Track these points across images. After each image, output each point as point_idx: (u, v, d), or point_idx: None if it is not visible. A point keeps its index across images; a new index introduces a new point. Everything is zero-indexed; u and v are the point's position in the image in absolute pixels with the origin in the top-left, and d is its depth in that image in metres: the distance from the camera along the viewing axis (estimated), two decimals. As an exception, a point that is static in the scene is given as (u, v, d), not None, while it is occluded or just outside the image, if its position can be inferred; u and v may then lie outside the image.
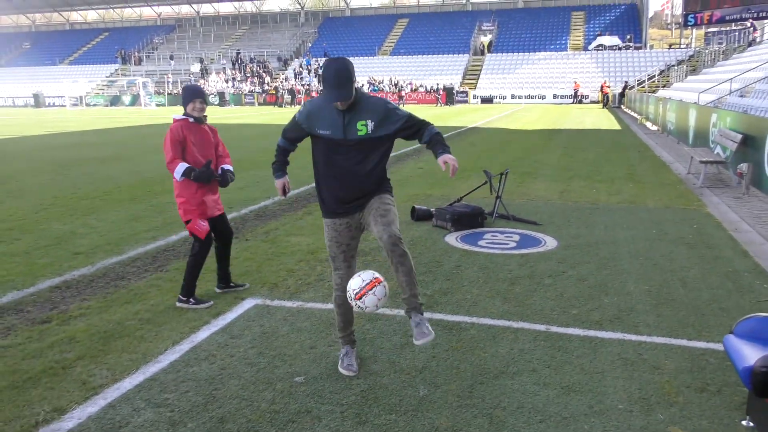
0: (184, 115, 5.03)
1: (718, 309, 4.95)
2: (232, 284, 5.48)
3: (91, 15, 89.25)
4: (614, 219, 8.27)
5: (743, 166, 10.20)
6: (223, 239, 5.35)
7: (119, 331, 4.58)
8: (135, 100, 60.71)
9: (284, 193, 4.00)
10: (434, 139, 3.73)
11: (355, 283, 3.47)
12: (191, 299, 5.08)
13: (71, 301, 5.24)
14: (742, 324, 3.33)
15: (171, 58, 68.40)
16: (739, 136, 10.54)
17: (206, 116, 5.16)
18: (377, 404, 3.52)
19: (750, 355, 3.00)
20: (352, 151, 3.59)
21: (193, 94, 5.02)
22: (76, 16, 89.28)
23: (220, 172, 5.25)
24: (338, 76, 3.40)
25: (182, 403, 3.55)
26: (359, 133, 3.54)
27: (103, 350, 4.24)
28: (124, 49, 73.28)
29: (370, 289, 3.42)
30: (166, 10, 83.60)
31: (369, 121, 3.55)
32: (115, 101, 62.35)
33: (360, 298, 3.42)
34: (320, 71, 3.59)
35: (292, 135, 3.87)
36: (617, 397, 3.60)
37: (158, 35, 77.29)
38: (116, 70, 70.76)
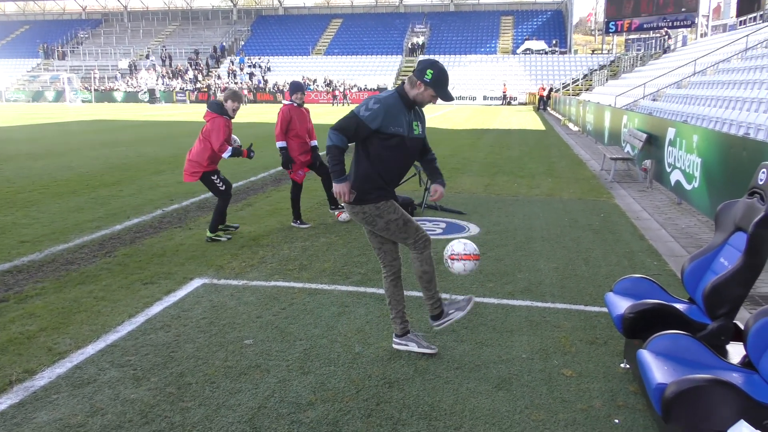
0: (290, 101, 7.64)
1: (612, 281, 5.68)
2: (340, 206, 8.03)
3: (10, 7, 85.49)
4: (532, 209, 9.06)
5: (647, 163, 11.25)
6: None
7: (76, 307, 4.94)
8: (59, 96, 58.80)
9: (351, 197, 3.93)
10: (434, 164, 4.35)
11: (458, 247, 3.95)
12: (298, 220, 7.83)
13: (24, 283, 5.53)
14: (619, 283, 4.06)
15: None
16: (644, 136, 11.60)
17: (303, 103, 7.80)
18: (318, 359, 4.06)
19: (622, 305, 3.71)
20: (409, 148, 4.00)
21: (297, 88, 7.67)
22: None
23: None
24: (448, 79, 3.91)
25: (143, 363, 3.98)
26: (415, 132, 4.02)
27: (63, 323, 4.61)
28: (47, 43, 70.72)
29: (469, 260, 3.95)
30: (92, 4, 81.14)
31: (420, 124, 4.06)
32: (37, 97, 60.21)
33: (459, 259, 3.93)
34: (428, 73, 3.84)
35: (355, 135, 3.86)
36: (522, 348, 4.26)
37: (83, 29, 74.94)
38: (38, 64, 68.25)
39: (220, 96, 54.73)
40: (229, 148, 6.94)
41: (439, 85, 3.87)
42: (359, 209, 3.96)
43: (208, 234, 7.07)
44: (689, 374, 2.71)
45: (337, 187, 3.88)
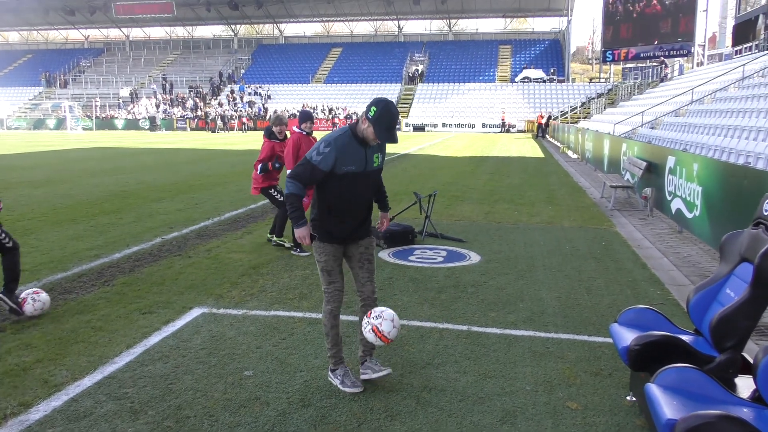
0: (299, 129, 7.70)
1: (616, 311, 5.65)
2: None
3: (13, 36, 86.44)
4: (533, 237, 9.02)
5: (647, 191, 11.25)
6: None
7: (73, 337, 4.87)
8: (60, 124, 59.08)
9: (312, 239, 4.04)
10: (383, 193, 4.43)
11: (386, 326, 3.93)
12: (298, 248, 7.75)
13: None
14: (624, 314, 4.01)
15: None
16: (644, 164, 11.62)
17: (312, 132, 7.85)
18: (319, 391, 4.00)
19: (628, 337, 3.66)
20: (366, 181, 4.04)
21: (306, 117, 7.80)
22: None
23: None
24: (395, 122, 3.91)
25: (141, 396, 3.91)
26: (374, 164, 4.07)
27: (60, 354, 4.54)
28: (49, 71, 71.31)
29: (380, 337, 3.92)
30: (94, 33, 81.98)
31: (380, 154, 4.10)
32: (38, 125, 60.49)
33: (375, 334, 3.91)
34: (372, 111, 3.82)
35: (311, 180, 3.93)
36: (526, 380, 4.20)
37: (85, 58, 75.62)
38: (40, 92, 68.73)
39: (219, 123, 55.17)
40: (260, 165, 7.95)
41: (378, 124, 3.82)
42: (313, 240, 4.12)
43: (275, 239, 8.13)
44: (699, 409, 2.65)
45: (297, 232, 3.98)
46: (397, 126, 4.04)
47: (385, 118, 3.84)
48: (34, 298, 5.34)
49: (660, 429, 2.67)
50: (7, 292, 5.39)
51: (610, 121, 29.22)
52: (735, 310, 3.29)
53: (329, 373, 4.16)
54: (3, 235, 5.40)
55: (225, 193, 13.37)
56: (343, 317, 5.32)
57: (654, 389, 2.90)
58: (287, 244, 8.06)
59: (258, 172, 7.97)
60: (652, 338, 3.44)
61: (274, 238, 8.14)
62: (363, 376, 4.12)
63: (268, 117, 57.81)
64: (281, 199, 8.02)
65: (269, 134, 8.05)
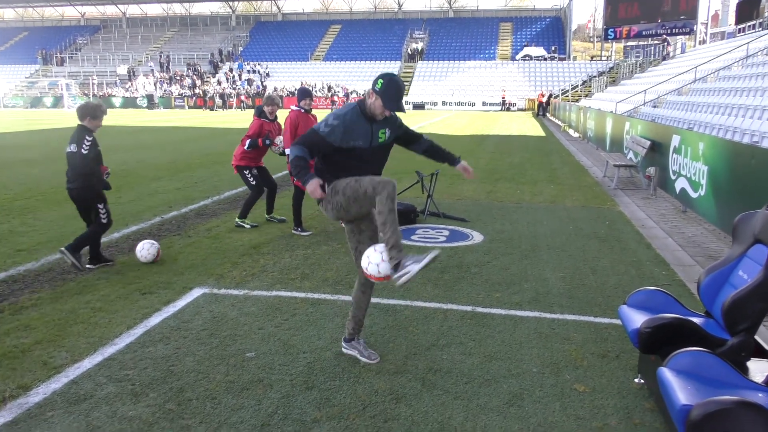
0: (298, 107, 7.51)
1: (621, 292, 5.60)
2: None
3: (9, 13, 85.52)
4: (536, 216, 8.94)
5: (651, 170, 11.15)
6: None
7: (73, 318, 4.80)
8: (57, 102, 58.61)
9: (324, 190, 3.91)
10: (437, 148, 4.45)
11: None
12: (299, 228, 7.69)
13: (20, 293, 5.40)
14: (633, 296, 3.93)
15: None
16: (648, 143, 11.49)
17: (311, 109, 7.67)
18: (323, 373, 3.94)
19: (638, 319, 3.59)
20: (372, 156, 4.02)
21: (305, 94, 7.62)
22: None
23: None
24: (402, 92, 3.92)
25: (142, 378, 3.85)
26: (380, 140, 4.04)
27: (59, 335, 4.47)
28: (45, 49, 70.60)
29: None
30: (90, 10, 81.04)
31: (388, 130, 4.07)
32: (35, 103, 59.99)
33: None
34: (378, 83, 3.87)
35: (317, 149, 3.91)
36: (532, 362, 4.14)
37: (82, 36, 74.86)
38: (36, 70, 68.11)
39: (218, 101, 54.81)
40: (248, 141, 7.82)
41: (386, 95, 3.87)
42: (323, 206, 4.02)
43: (236, 219, 8.08)
44: (713, 394, 2.59)
45: (309, 186, 3.79)
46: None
47: (392, 88, 3.88)
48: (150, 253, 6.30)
49: (674, 414, 2.61)
50: (71, 249, 5.97)
51: (611, 100, 28.98)
52: (748, 293, 3.21)
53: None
54: (104, 211, 6.17)
55: (224, 172, 13.24)
56: (342, 297, 5.26)
57: (667, 373, 2.84)
58: (246, 226, 7.96)
59: (246, 147, 7.84)
60: (663, 321, 3.37)
61: (236, 219, 8.08)
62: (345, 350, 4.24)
63: (267, 95, 57.43)
64: (254, 183, 7.95)
65: (259, 113, 8.03)
